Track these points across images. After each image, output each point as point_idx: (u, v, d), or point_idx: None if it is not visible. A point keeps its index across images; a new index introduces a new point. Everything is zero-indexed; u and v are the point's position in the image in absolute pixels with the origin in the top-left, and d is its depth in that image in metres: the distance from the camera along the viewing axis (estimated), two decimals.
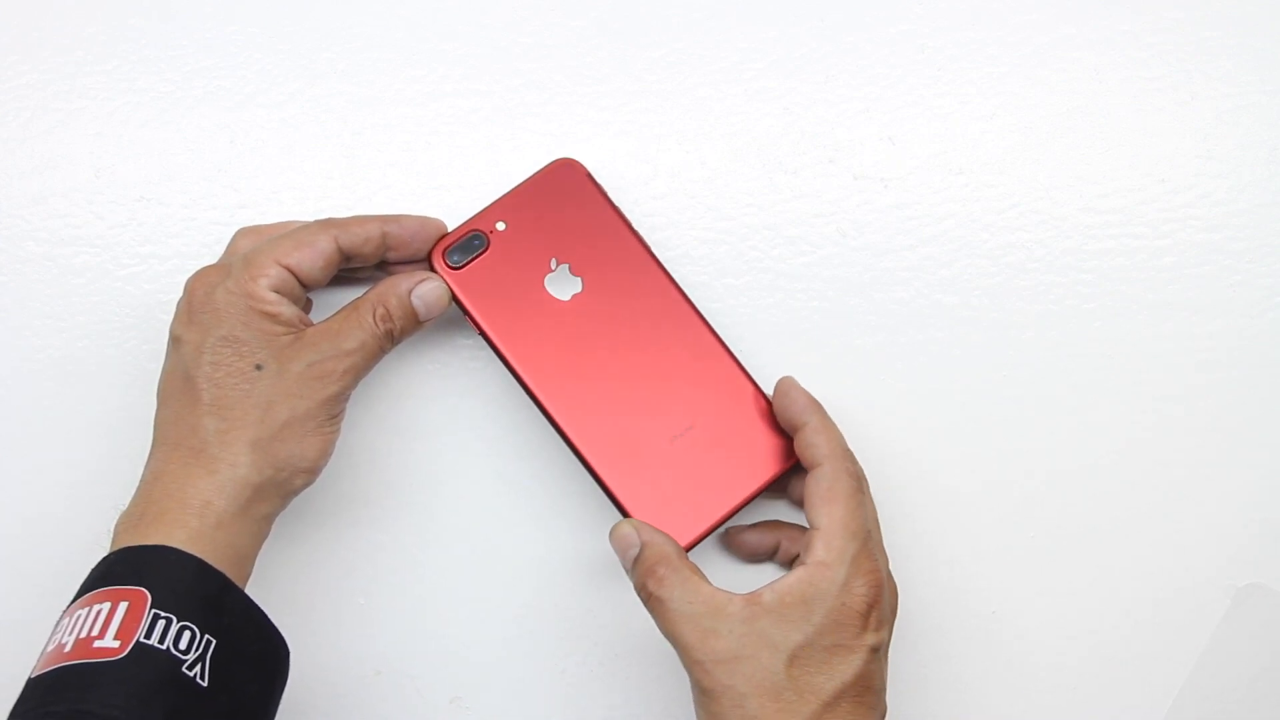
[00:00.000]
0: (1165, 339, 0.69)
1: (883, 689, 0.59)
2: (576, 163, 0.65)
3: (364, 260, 0.63)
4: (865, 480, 0.64)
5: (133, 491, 0.59)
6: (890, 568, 0.62)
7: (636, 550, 0.60)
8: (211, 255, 0.68)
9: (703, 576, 0.60)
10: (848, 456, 0.61)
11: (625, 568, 0.61)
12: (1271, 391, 0.69)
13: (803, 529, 0.60)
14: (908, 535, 0.68)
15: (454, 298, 0.64)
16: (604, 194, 0.65)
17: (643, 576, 0.60)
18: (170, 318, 0.62)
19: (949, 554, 0.69)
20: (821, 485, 0.60)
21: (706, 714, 0.58)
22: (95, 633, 0.53)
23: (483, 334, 0.64)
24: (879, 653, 0.59)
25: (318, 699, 0.68)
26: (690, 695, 0.68)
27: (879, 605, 0.58)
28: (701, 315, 0.65)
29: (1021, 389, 0.69)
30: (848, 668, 0.57)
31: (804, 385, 0.64)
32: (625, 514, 0.63)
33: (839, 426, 0.65)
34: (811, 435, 0.62)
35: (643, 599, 0.60)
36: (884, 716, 0.60)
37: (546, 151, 0.66)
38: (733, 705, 0.57)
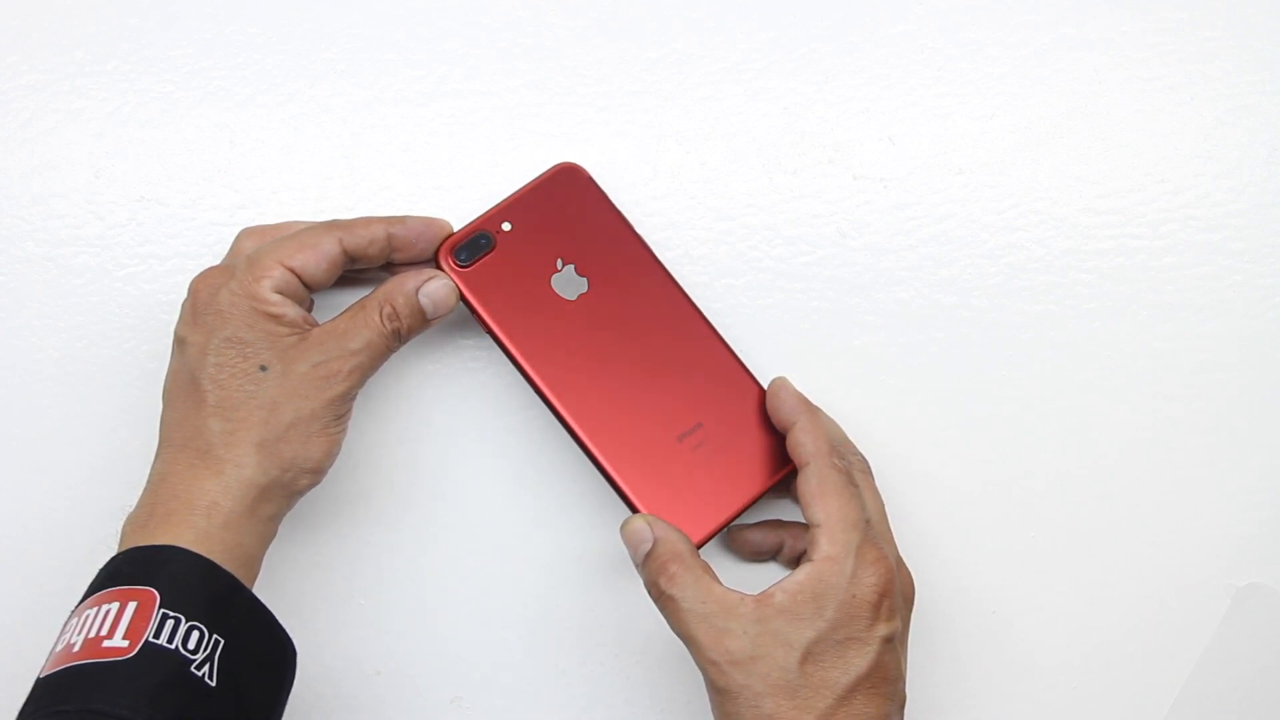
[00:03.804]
0: (1165, 339, 0.69)
1: (899, 678, 0.60)
2: (579, 167, 0.65)
3: (369, 262, 0.63)
4: (866, 471, 0.64)
5: (135, 492, 0.59)
6: (900, 554, 0.62)
7: (649, 545, 0.60)
8: (211, 256, 0.68)
9: (714, 575, 0.60)
10: (834, 453, 0.61)
11: (635, 563, 0.61)
12: (1271, 391, 0.69)
13: (806, 527, 0.60)
14: (908, 535, 0.68)
15: (461, 296, 0.64)
16: (606, 198, 0.65)
17: (654, 574, 0.60)
18: (170, 318, 0.62)
19: (949, 554, 0.69)
20: (811, 483, 0.60)
21: (722, 713, 0.58)
22: (104, 632, 0.53)
23: (490, 332, 0.64)
24: (893, 642, 0.59)
25: (319, 698, 0.68)
26: (690, 695, 0.68)
27: (890, 594, 0.59)
28: (705, 317, 0.65)
29: (1021, 389, 0.69)
30: (862, 660, 0.58)
31: (802, 385, 0.64)
32: (635, 511, 0.63)
33: (838, 424, 0.65)
34: (799, 435, 0.62)
35: (653, 596, 0.60)
36: (903, 705, 0.60)
37: (546, 151, 0.66)
38: (749, 705, 0.57)
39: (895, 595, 0.59)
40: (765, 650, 0.57)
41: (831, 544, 0.59)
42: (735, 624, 0.58)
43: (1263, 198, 0.69)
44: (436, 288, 0.63)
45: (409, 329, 0.62)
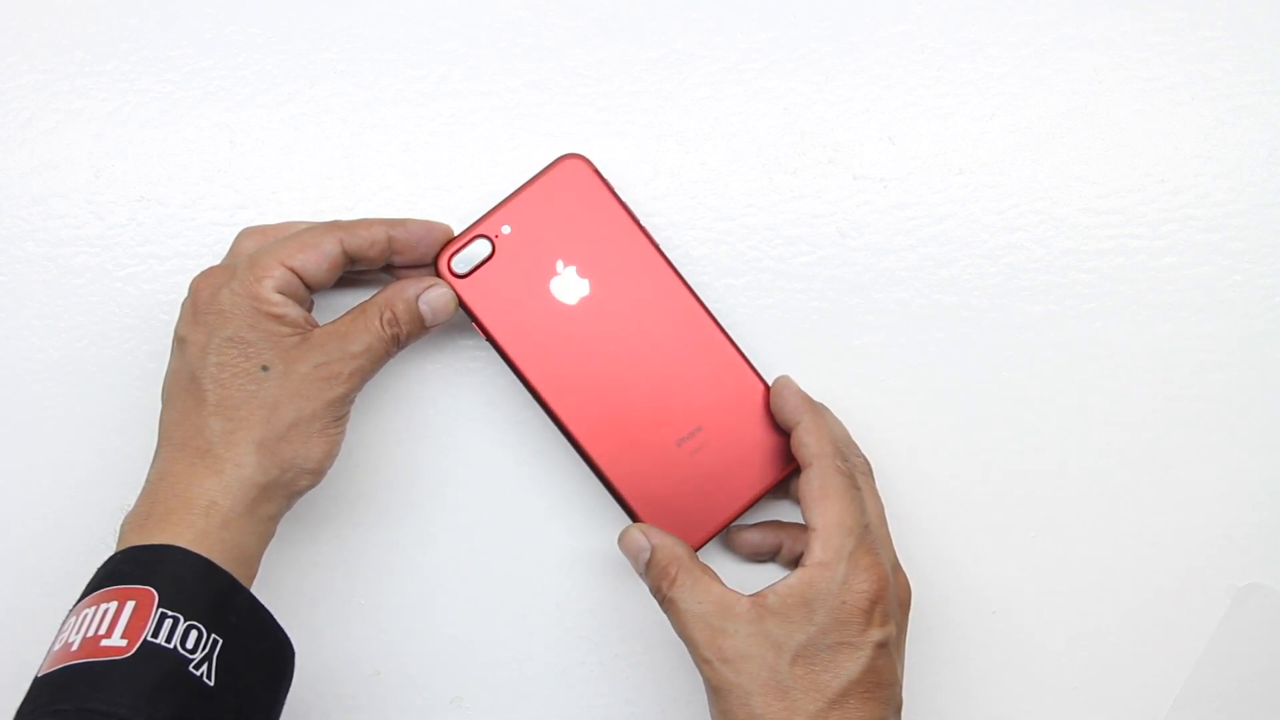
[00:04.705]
0: (1165, 339, 0.69)
1: (894, 682, 0.60)
2: (583, 159, 0.65)
3: (369, 263, 0.63)
4: (867, 474, 0.64)
5: (134, 491, 0.59)
6: (899, 559, 0.62)
7: (647, 554, 0.61)
8: (211, 256, 0.68)
9: (714, 576, 0.60)
10: (838, 454, 0.61)
11: (638, 571, 0.62)
12: (1271, 391, 0.69)
13: (805, 528, 0.60)
14: (908, 535, 0.68)
15: (461, 304, 0.64)
16: (611, 190, 0.65)
17: (656, 579, 0.60)
18: (170, 318, 0.62)
19: (949, 554, 0.69)
20: (813, 486, 0.60)
21: (717, 711, 0.59)
22: (103, 631, 0.53)
23: (490, 340, 0.64)
24: (887, 647, 0.59)
25: (319, 698, 0.68)
26: (690, 695, 0.68)
27: (883, 600, 0.59)
28: (710, 312, 0.65)
29: (1021, 389, 0.69)
30: (854, 665, 0.58)
31: (802, 385, 0.64)
32: (634, 517, 0.64)
33: (842, 423, 0.65)
34: (803, 435, 0.62)
35: (658, 601, 0.61)
36: (899, 709, 0.60)
37: (546, 151, 0.66)
38: (739, 703, 0.57)
39: (889, 600, 0.59)
40: (756, 650, 0.58)
41: (825, 550, 0.59)
42: (730, 624, 0.58)
43: (1263, 198, 0.69)
44: (436, 296, 0.63)
45: (408, 335, 0.62)
